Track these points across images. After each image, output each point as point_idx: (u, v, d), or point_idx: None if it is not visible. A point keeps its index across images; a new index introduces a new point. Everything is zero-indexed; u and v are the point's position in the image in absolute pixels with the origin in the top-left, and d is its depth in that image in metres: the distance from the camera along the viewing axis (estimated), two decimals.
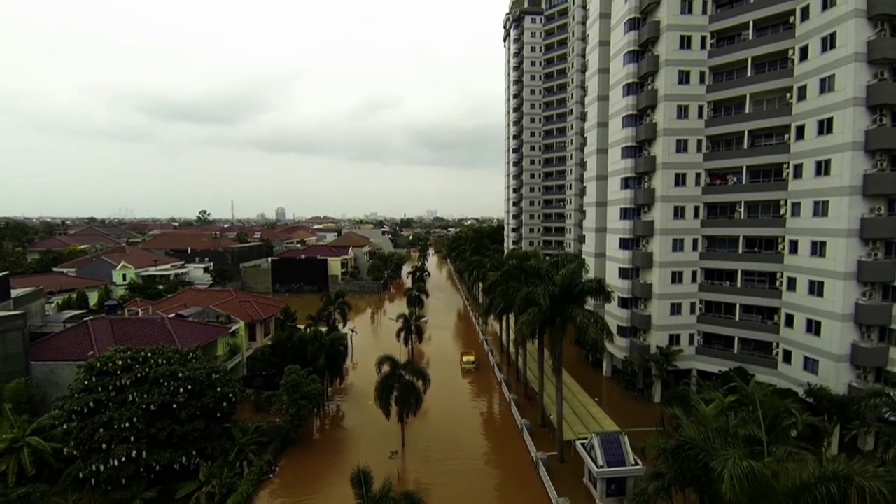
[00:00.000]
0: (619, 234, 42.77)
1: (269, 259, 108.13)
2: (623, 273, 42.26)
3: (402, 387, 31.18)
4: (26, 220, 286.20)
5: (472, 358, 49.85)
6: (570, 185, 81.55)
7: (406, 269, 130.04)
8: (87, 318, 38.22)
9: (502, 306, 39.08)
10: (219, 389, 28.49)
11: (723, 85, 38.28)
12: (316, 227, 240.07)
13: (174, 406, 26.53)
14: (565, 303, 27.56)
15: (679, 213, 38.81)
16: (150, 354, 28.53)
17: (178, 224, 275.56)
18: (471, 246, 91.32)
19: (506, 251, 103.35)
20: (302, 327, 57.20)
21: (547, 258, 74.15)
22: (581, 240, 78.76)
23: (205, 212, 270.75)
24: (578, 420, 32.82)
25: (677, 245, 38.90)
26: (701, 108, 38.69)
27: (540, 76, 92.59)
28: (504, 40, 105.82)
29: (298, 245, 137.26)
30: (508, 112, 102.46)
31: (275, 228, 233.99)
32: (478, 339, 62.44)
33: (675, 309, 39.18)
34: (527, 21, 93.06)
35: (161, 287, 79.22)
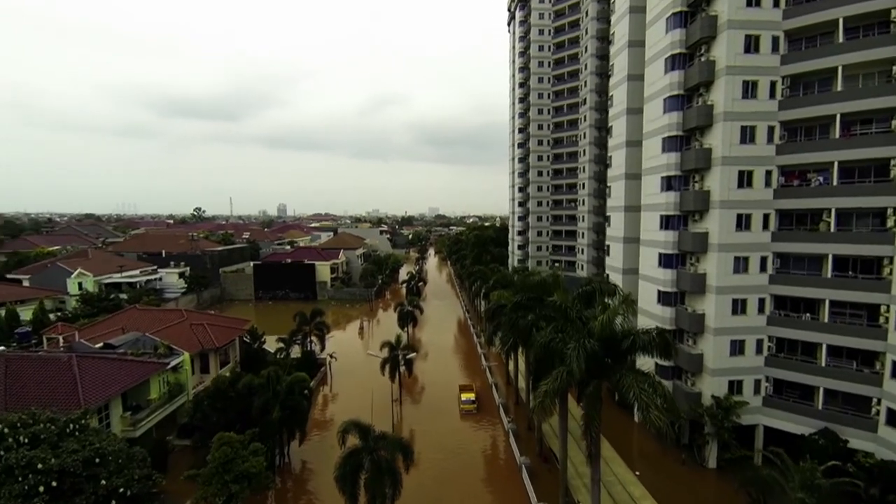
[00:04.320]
0: (659, 248, 33.72)
1: (252, 263, 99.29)
2: (664, 298, 33.25)
3: (373, 466, 22.31)
4: (23, 216, 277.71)
5: (472, 396, 40.96)
6: (583, 185, 72.51)
7: (404, 271, 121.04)
8: None
9: (511, 342, 30.18)
10: (104, 482, 19.73)
11: (804, 54, 29.07)
12: (312, 225, 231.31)
13: None
14: (608, 360, 18.65)
15: (743, 222, 29.68)
16: (6, 430, 19.73)
17: (172, 221, 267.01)
18: (472, 253, 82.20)
19: (510, 255, 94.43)
20: (273, 350, 48.86)
21: (558, 270, 64.39)
22: (597, 246, 69.82)
23: (199, 209, 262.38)
24: None
25: (740, 265, 29.79)
26: (774, 84, 29.48)
27: (549, 62, 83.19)
28: (508, 24, 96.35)
29: (288, 247, 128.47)
30: (513, 103, 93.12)
31: (271, 226, 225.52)
32: (479, 365, 53.58)
33: (737, 347, 30.13)
34: (534, 1, 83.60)
35: (124, 297, 70.88)
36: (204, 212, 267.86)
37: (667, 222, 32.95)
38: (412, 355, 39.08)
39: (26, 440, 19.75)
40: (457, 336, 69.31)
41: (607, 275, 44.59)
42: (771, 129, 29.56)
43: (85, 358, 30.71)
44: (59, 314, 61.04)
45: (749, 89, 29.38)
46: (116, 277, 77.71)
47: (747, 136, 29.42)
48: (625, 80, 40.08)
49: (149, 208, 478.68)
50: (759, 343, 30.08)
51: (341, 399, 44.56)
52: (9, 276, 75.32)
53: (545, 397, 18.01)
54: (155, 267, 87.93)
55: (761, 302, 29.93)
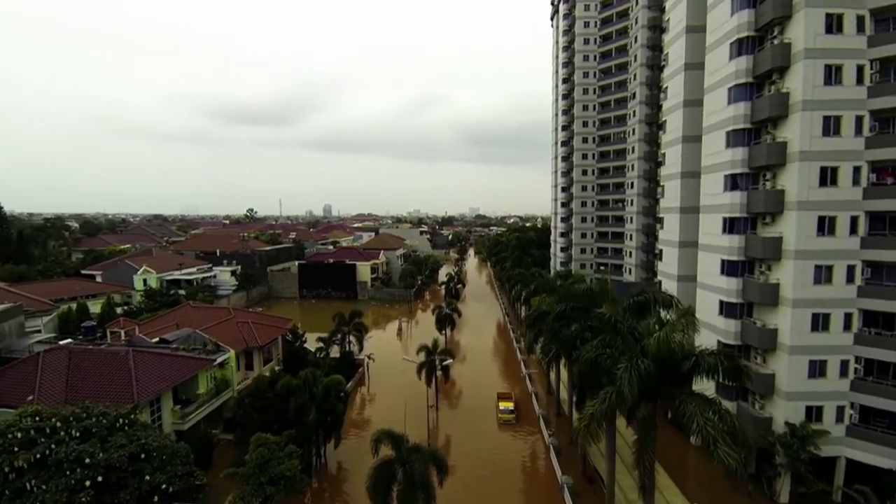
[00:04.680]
0: (722, 253, 30.53)
1: (297, 263, 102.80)
2: (727, 309, 30.02)
3: (406, 479, 21.54)
4: (102, 216, 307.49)
5: (510, 405, 39.35)
6: (632, 183, 68.51)
7: (444, 272, 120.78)
8: (42, 350, 31.88)
9: (553, 353, 28.40)
10: (147, 477, 20.33)
11: (893, 35, 25.11)
12: (355, 225, 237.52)
13: None
14: (665, 384, 16.63)
15: (826, 226, 26.07)
16: (59, 424, 20.83)
17: (228, 221, 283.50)
18: (512, 256, 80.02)
19: (552, 257, 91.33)
20: (313, 349, 49.81)
21: (605, 275, 61.33)
22: (646, 249, 65.71)
23: (252, 210, 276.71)
24: None
25: (822, 274, 26.18)
26: (861, 69, 25.70)
27: (595, 56, 79.45)
28: (552, 18, 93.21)
29: (331, 247, 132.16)
30: (556, 100, 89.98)
31: (316, 226, 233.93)
32: (518, 371, 51.76)
33: (817, 369, 26.51)
34: None
35: (182, 293, 75.53)
36: (256, 212, 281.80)
37: (731, 225, 29.72)
38: (448, 361, 38.13)
39: (77, 434, 20.68)
40: (496, 339, 67.70)
41: (659, 281, 41.35)
42: (859, 120, 25.76)
43: (140, 352, 32.40)
44: (125, 308, 65.96)
45: (832, 74, 25.77)
46: (176, 274, 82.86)
47: (831, 127, 25.80)
48: (681, 69, 36.79)
49: (209, 209, 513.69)
50: (844, 364, 26.26)
51: (379, 400, 44.47)
52: (83, 271, 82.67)
53: (591, 421, 16.32)
54: (210, 265, 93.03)
55: (847, 317, 26.10)
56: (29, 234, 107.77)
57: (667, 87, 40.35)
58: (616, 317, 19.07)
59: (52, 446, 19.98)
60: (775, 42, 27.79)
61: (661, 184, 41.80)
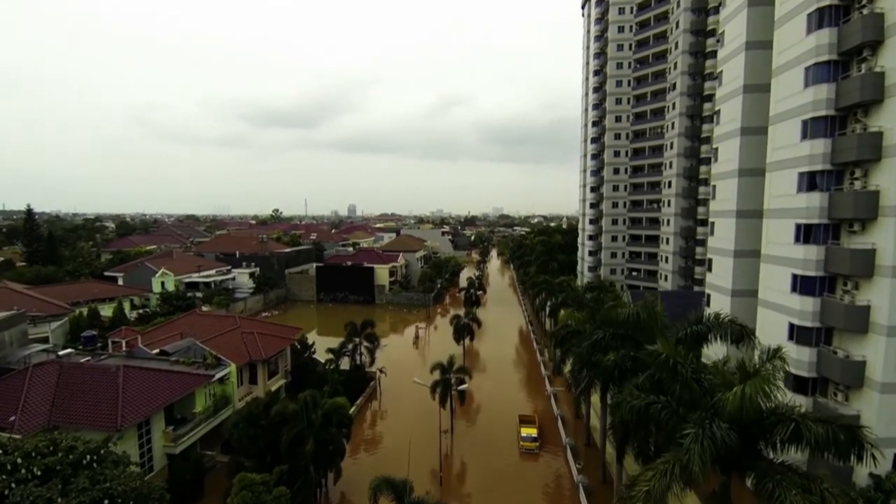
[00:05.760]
0: (794, 267, 25.46)
1: (315, 265, 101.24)
2: (799, 334, 24.95)
3: None
4: (139, 217, 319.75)
5: (534, 432, 35.15)
6: (669, 183, 62.86)
7: (465, 274, 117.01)
8: (32, 364, 30.02)
9: (585, 383, 24.16)
10: None
11: None
12: (377, 226, 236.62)
13: None
14: (748, 456, 12.33)
15: None
16: (20, 461, 18.31)
17: (255, 221, 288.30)
18: (536, 261, 75.33)
19: (580, 261, 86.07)
20: (323, 361, 47.10)
21: (637, 279, 56.61)
22: (684, 254, 60.06)
23: (277, 210, 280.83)
24: None
25: None
26: None
27: (630, 45, 73.78)
28: (583, 7, 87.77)
29: (350, 248, 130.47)
30: (587, 94, 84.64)
31: (339, 227, 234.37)
32: (542, 387, 47.43)
33: None
34: None
35: (199, 296, 74.78)
36: (281, 213, 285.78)
37: (806, 233, 24.64)
38: (464, 386, 34.26)
39: (39, 472, 18.14)
40: (518, 349, 63.41)
41: (708, 295, 36.25)
42: None
43: (132, 369, 30.11)
44: (141, 311, 65.38)
45: None
46: (195, 277, 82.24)
47: None
48: (742, 48, 31.46)
49: (239, 209, 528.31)
50: None
51: (391, 417, 41.22)
52: (107, 273, 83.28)
53: (647, 501, 12.20)
54: (229, 267, 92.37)
55: None
56: (60, 235, 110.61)
57: (721, 72, 35.01)
58: (676, 358, 14.69)
59: (12, 485, 17.51)
60: (863, 12, 22.64)
61: (712, 183, 36.54)
